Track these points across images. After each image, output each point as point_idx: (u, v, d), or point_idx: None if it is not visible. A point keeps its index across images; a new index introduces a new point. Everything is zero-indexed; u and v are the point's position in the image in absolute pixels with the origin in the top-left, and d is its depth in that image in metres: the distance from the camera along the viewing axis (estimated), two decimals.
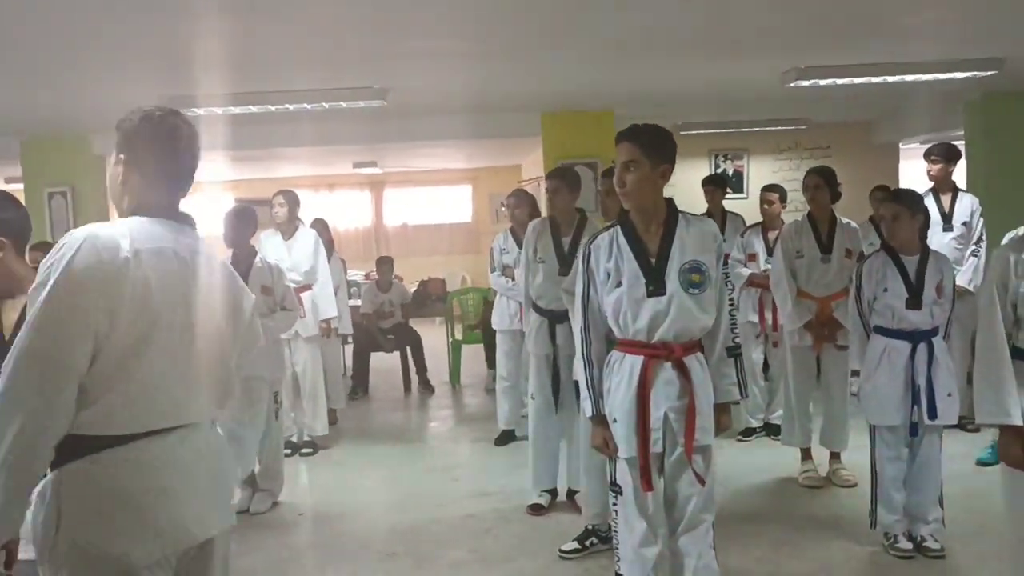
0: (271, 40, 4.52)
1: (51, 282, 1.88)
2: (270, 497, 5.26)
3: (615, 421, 2.99)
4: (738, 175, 10.00)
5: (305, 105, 5.77)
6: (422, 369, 8.59)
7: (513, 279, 6.31)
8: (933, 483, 4.14)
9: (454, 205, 14.22)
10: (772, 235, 6.12)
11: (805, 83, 5.91)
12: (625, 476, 3.01)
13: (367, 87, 5.63)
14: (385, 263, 8.95)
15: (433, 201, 14.18)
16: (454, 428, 7.38)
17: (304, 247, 6.41)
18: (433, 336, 9.39)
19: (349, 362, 8.65)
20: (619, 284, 2.99)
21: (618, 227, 3.07)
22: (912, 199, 4.09)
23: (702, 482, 2.99)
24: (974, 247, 6.10)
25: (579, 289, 3.12)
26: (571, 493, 4.91)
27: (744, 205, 8.56)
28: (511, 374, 6.43)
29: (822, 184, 5.10)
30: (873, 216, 6.76)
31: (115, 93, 5.89)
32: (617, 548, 3.09)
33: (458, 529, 4.76)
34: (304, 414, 6.42)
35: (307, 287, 6.35)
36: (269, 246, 6.29)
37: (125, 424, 1.96)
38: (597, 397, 3.04)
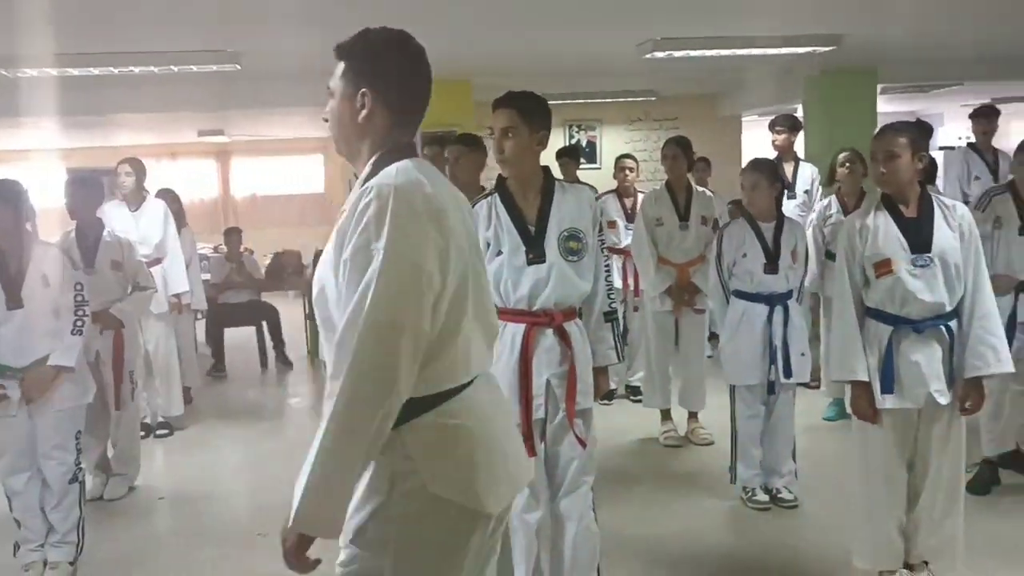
0: None
1: (383, 245, 1.70)
2: (126, 482, 5.00)
3: None
4: (591, 145, 10.20)
5: (152, 68, 5.46)
6: (279, 344, 8.38)
7: None
8: (786, 439, 4.39)
9: (306, 175, 13.83)
10: (628, 202, 6.28)
11: (660, 54, 6.07)
12: None
13: (220, 50, 5.37)
14: (233, 234, 8.67)
15: (284, 171, 13.73)
16: (315, 404, 7.21)
17: (153, 219, 6.09)
18: (288, 310, 9.14)
19: (202, 338, 8.31)
20: (499, 253, 2.99)
21: (496, 195, 3.06)
22: (770, 169, 4.29)
23: (583, 444, 3.05)
24: (818, 211, 6.46)
25: None
26: None
27: (598, 176, 8.74)
28: None
29: (680, 154, 5.27)
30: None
31: None
32: None
33: None
34: (157, 394, 6.12)
35: (157, 261, 6.03)
36: (115, 218, 5.89)
37: (458, 375, 1.85)
38: None
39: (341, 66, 1.93)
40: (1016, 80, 8.59)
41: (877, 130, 3.35)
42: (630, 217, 6.09)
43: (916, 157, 3.11)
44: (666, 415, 5.51)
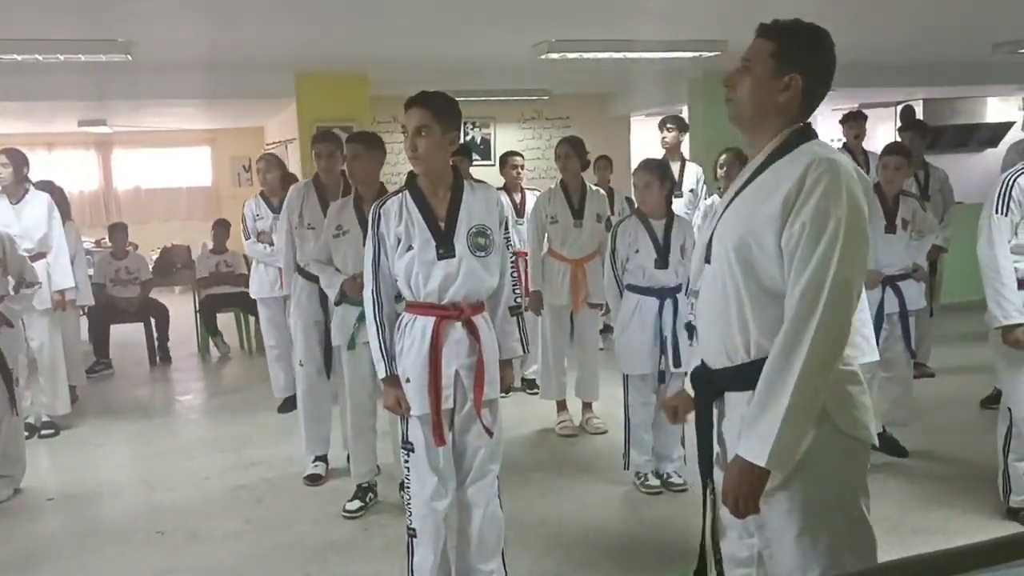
0: None
1: (842, 214, 1.93)
2: (11, 484, 4.85)
3: (408, 381, 3.08)
4: (485, 142, 10.33)
5: (37, 56, 5.27)
6: (164, 340, 8.26)
7: (271, 244, 6.18)
8: (676, 426, 4.60)
9: (192, 168, 13.47)
10: (517, 198, 6.43)
11: (555, 55, 6.25)
12: (417, 433, 3.12)
13: (111, 40, 5.24)
14: (119, 230, 8.45)
15: (169, 163, 13.33)
16: (210, 399, 7.12)
17: (36, 212, 5.89)
18: (176, 305, 8.93)
19: (85, 335, 8.05)
20: (410, 248, 3.07)
21: (406, 192, 3.14)
22: (662, 168, 4.49)
23: (490, 434, 3.17)
24: (704, 209, 6.78)
25: (369, 254, 3.16)
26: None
27: (491, 172, 8.86)
28: (279, 342, 6.30)
29: (572, 154, 5.43)
30: (599, 182, 7.31)
31: None
32: (409, 503, 3.20)
33: (228, 501, 4.66)
34: (43, 393, 5.94)
35: (41, 255, 5.84)
36: None
37: None
38: (389, 358, 3.12)
39: (769, 44, 2.09)
40: (880, 87, 9.16)
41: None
42: (519, 212, 6.25)
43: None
44: (561, 406, 5.69)
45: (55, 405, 6.01)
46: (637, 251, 4.42)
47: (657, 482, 4.57)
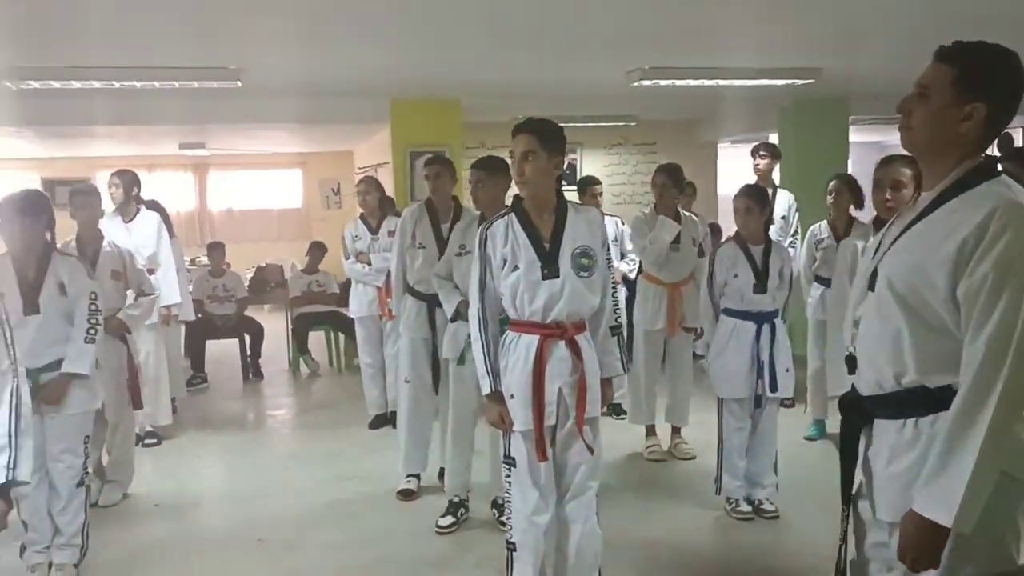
0: (111, 14, 4.32)
1: None
2: (120, 488, 5.07)
3: (512, 397, 3.15)
4: (571, 168, 10.41)
5: (154, 83, 5.55)
6: (256, 356, 8.51)
7: (369, 264, 6.34)
8: (770, 451, 4.57)
9: (283, 190, 13.88)
10: None
11: (648, 82, 6.29)
12: (519, 449, 3.17)
13: (223, 67, 5.49)
14: (217, 248, 8.81)
15: (261, 186, 13.77)
16: (300, 415, 7.31)
17: (146, 230, 6.15)
18: (266, 323, 9.18)
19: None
20: (515, 268, 3.15)
21: (512, 214, 3.22)
22: (761, 194, 4.50)
23: (591, 451, 3.21)
24: (792, 239, 6.73)
25: (475, 274, 3.25)
26: (443, 472, 5.03)
27: (575, 198, 8.94)
28: (375, 360, 6.45)
29: (669, 183, 5.44)
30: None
31: None
32: (510, 517, 3.25)
33: (324, 514, 4.78)
34: (147, 403, 6.16)
35: (149, 272, 6.07)
36: (109, 229, 5.96)
37: None
38: (494, 375, 3.19)
39: (949, 70, 1.97)
40: None
41: (882, 158, 3.51)
42: None
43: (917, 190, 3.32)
44: (650, 431, 5.68)
45: (158, 415, 6.24)
46: (736, 276, 4.43)
47: (749, 508, 4.53)
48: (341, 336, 8.50)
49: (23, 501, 3.88)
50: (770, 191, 6.74)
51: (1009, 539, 2.02)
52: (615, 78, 6.40)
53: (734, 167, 10.17)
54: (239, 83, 5.74)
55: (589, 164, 10.35)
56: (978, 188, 1.96)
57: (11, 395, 2.70)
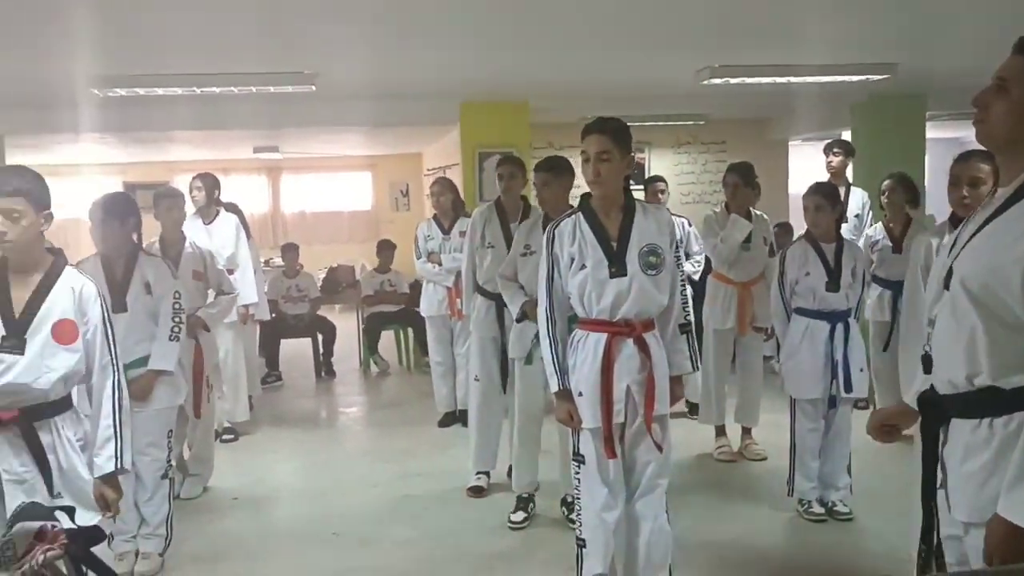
0: (195, 22, 4.46)
1: None
2: (201, 482, 5.23)
3: (580, 395, 3.18)
4: (639, 167, 10.37)
5: (233, 88, 5.72)
6: (329, 355, 8.68)
7: (440, 265, 6.43)
8: (844, 453, 4.51)
9: (353, 192, 14.12)
10: None
11: (718, 81, 6.24)
12: (588, 446, 3.20)
13: (298, 72, 5.62)
14: (290, 250, 9.01)
15: (332, 188, 14.03)
16: (373, 412, 7.44)
17: (226, 232, 6.34)
18: (338, 323, 9.36)
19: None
20: (583, 267, 3.18)
21: (580, 213, 3.25)
22: (832, 192, 4.45)
23: (660, 449, 3.23)
24: (865, 238, 6.60)
25: (543, 272, 3.28)
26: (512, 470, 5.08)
27: (641, 197, 8.90)
28: (445, 359, 6.54)
29: (740, 182, 5.40)
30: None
31: (20, 71, 5.68)
32: (579, 514, 3.29)
33: (396, 509, 4.86)
34: (225, 400, 6.36)
35: (228, 272, 6.26)
36: (190, 230, 6.16)
37: None
38: (562, 373, 3.22)
39: None
40: None
41: (960, 154, 3.43)
42: None
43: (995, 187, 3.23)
44: (720, 431, 5.65)
45: (236, 412, 6.43)
46: (807, 274, 4.39)
47: (822, 510, 4.48)
48: (411, 335, 8.62)
49: None
50: (843, 189, 6.63)
51: None
52: (684, 77, 6.36)
53: (806, 165, 10.01)
54: (314, 87, 5.86)
55: (657, 163, 10.30)
56: None
57: (113, 388, 2.85)
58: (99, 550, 4.04)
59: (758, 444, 5.54)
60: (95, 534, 1.94)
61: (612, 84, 7.09)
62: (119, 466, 2.85)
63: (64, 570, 1.72)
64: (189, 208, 6.06)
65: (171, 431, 4.17)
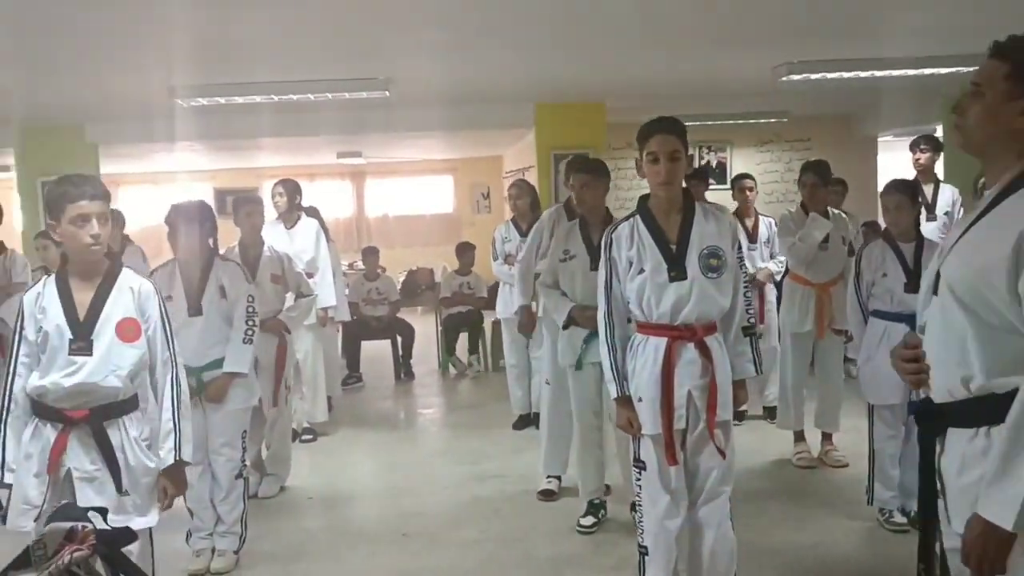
0: (270, 31, 4.58)
1: None
2: (278, 482, 5.35)
3: (640, 400, 3.13)
4: (721, 167, 10.20)
5: (309, 96, 5.84)
6: (408, 356, 8.78)
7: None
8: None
9: (435, 196, 14.26)
10: (749, 223, 6.33)
11: (796, 77, 6.08)
12: (649, 453, 3.15)
13: (372, 78, 5.71)
14: (371, 253, 9.15)
15: (414, 192, 14.20)
16: (449, 414, 7.50)
17: (306, 236, 6.46)
18: (418, 325, 9.47)
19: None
20: (641, 271, 3.13)
21: (638, 216, 3.20)
22: (911, 189, 4.28)
23: (723, 455, 3.15)
24: None
25: (602, 277, 3.25)
26: None
27: (727, 196, 8.75)
28: (520, 361, 6.53)
29: (818, 182, 5.25)
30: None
31: (111, 84, 5.95)
32: (641, 521, 3.24)
33: (467, 511, 4.88)
34: (304, 401, 6.50)
35: (308, 276, 6.39)
36: (271, 235, 6.30)
37: None
38: (621, 379, 3.18)
39: (1002, 65, 1.93)
40: None
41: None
42: (751, 238, 6.14)
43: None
44: (799, 436, 5.50)
45: (315, 412, 6.56)
46: (884, 275, 4.23)
47: (904, 519, 4.31)
48: (488, 337, 8.65)
49: (189, 490, 4.19)
50: (932, 186, 6.39)
51: None
52: (760, 74, 6.23)
53: (896, 162, 9.67)
54: (387, 92, 5.94)
55: (739, 162, 10.11)
56: None
57: (172, 383, 2.95)
58: (179, 547, 4.20)
59: (839, 450, 5.37)
60: (126, 535, 1.99)
61: (688, 83, 7.00)
62: (178, 458, 2.95)
63: (102, 572, 1.77)
64: (272, 214, 6.24)
65: (245, 432, 4.28)
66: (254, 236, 5.31)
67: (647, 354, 3.13)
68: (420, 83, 6.28)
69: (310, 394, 6.51)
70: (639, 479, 3.21)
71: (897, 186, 4.29)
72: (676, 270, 3.10)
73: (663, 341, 3.11)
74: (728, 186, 9.85)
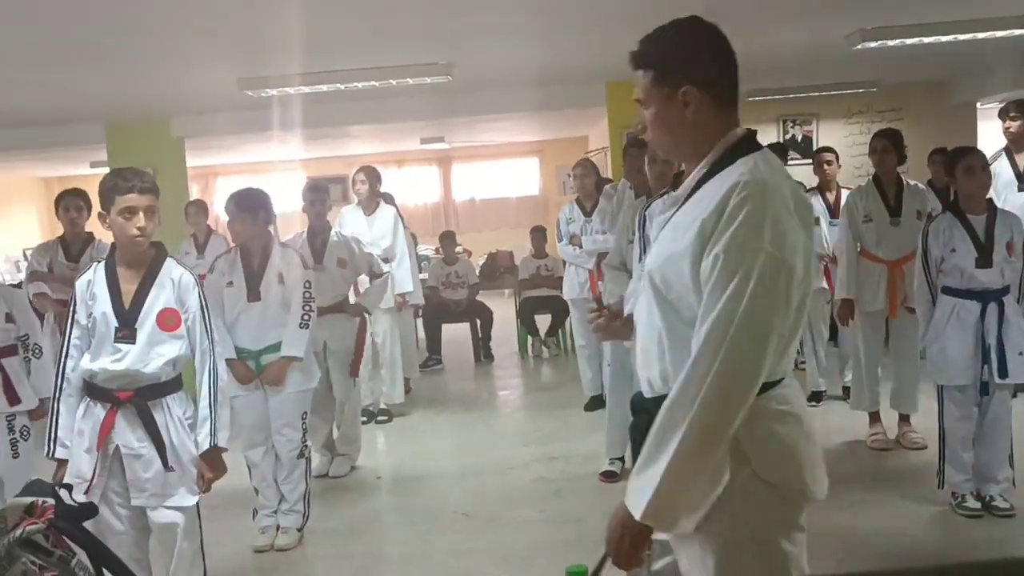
0: (337, 19, 4.66)
1: (761, 246, 1.69)
2: (348, 462, 5.48)
3: None
4: (807, 140, 9.87)
5: (373, 83, 5.91)
6: (487, 339, 8.86)
7: (580, 247, 6.38)
8: (1003, 442, 4.13)
9: (521, 178, 14.29)
10: (830, 197, 6.11)
11: (872, 44, 5.82)
12: None
13: (433, 63, 5.75)
14: (448, 237, 9.25)
15: (500, 175, 14.26)
16: (524, 396, 7.53)
17: (384, 223, 6.56)
18: (502, 307, 9.54)
19: (422, 334, 8.88)
20: None
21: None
22: (981, 157, 4.07)
23: None
24: None
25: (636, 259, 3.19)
26: None
27: (809, 171, 8.46)
28: (589, 342, 6.50)
29: (890, 147, 5.03)
30: (932, 180, 6.67)
31: (192, 77, 6.16)
32: None
33: (528, 491, 4.91)
34: (382, 382, 6.63)
35: (385, 261, 6.49)
36: (351, 221, 6.45)
37: (785, 366, 1.86)
38: None
39: (645, 74, 1.90)
40: None
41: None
42: (834, 213, 5.91)
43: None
44: (874, 418, 5.30)
45: (391, 394, 6.69)
46: (953, 250, 4.03)
47: (977, 504, 4.12)
48: (568, 319, 8.64)
49: (254, 470, 4.35)
50: None
51: (785, 553, 1.84)
52: (833, 42, 5.98)
53: (997, 131, 9.16)
54: (450, 77, 5.96)
55: (826, 135, 9.73)
56: (729, 167, 1.81)
57: (209, 372, 3.05)
58: (246, 524, 4.36)
59: (917, 432, 5.15)
60: (87, 510, 2.07)
61: (762, 55, 6.77)
62: (213, 443, 3.06)
63: (89, 565, 1.85)
64: (352, 200, 6.38)
65: (305, 413, 4.39)
66: (320, 221, 5.44)
67: None
68: (484, 67, 6.29)
69: (387, 376, 6.63)
70: None
71: (965, 153, 4.10)
72: None
73: None
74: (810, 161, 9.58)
